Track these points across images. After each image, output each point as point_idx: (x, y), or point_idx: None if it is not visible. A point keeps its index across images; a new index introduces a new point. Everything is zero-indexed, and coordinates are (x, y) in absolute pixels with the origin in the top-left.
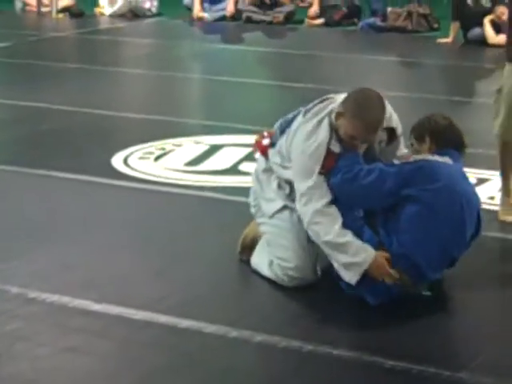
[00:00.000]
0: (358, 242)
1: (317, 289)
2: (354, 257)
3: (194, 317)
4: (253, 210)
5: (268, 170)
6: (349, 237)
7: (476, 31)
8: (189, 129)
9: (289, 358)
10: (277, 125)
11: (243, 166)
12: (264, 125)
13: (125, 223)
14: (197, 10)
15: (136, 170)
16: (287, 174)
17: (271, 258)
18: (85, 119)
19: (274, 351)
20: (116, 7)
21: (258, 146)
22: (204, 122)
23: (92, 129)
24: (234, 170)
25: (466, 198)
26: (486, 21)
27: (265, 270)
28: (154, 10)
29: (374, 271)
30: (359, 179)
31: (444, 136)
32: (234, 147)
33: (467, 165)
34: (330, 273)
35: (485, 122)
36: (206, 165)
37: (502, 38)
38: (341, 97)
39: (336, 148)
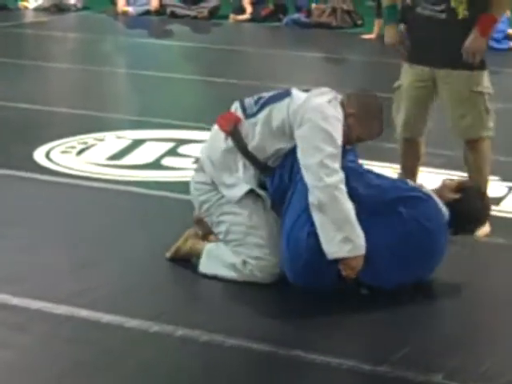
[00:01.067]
0: (360, 228)
1: (240, 283)
2: (357, 237)
3: (116, 311)
4: (202, 208)
5: (229, 151)
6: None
7: (399, 28)
8: (111, 123)
9: (210, 352)
10: (251, 100)
11: (165, 161)
12: (187, 119)
13: (47, 217)
14: (121, 5)
15: (58, 165)
16: (275, 143)
17: (243, 258)
18: (8, 113)
19: (195, 345)
20: (40, 1)
21: (222, 122)
22: (127, 117)
23: (15, 123)
24: (156, 165)
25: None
26: None
27: (228, 274)
28: (79, 5)
29: (353, 261)
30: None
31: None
32: (156, 142)
33: (392, 160)
34: None
35: None
36: (128, 159)
37: None
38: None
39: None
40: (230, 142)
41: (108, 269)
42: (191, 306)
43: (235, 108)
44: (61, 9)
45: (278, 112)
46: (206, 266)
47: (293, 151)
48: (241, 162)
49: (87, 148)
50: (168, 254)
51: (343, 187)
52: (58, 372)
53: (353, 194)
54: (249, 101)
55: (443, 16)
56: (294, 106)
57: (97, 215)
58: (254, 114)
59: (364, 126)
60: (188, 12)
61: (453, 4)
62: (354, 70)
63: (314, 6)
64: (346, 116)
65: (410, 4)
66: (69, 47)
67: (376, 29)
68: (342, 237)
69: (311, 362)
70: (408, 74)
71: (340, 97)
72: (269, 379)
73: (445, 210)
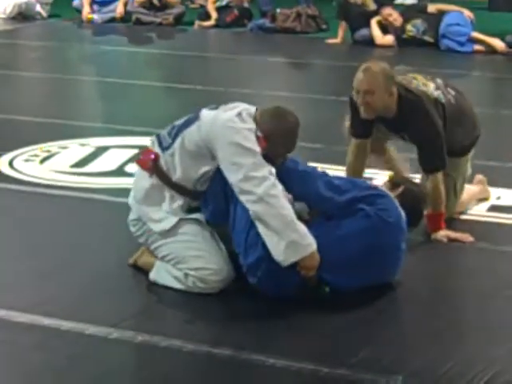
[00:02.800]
0: (305, 228)
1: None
2: (302, 238)
3: (76, 319)
4: (141, 240)
5: (155, 187)
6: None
7: (362, 32)
8: (75, 131)
9: (170, 357)
10: (165, 132)
11: (129, 168)
12: (151, 126)
13: (10, 225)
14: (86, 12)
15: (21, 173)
16: (199, 168)
17: (185, 272)
18: None
19: (155, 351)
20: (5, 10)
21: (141, 162)
22: (90, 124)
23: None
24: (119, 172)
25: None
26: (373, 22)
27: (176, 285)
28: (44, 13)
29: (308, 260)
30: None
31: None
32: (119, 149)
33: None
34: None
35: None
36: (92, 167)
37: (388, 39)
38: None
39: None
40: (154, 179)
41: (69, 276)
42: (150, 312)
43: (152, 143)
44: (26, 17)
45: (191, 137)
46: (155, 276)
47: (218, 171)
48: (168, 195)
49: (51, 156)
50: (130, 261)
51: (276, 191)
52: (18, 379)
53: (315, 195)
54: (163, 133)
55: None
56: (204, 127)
57: (60, 223)
58: (169, 146)
59: (272, 146)
60: (153, 19)
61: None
62: (319, 75)
63: (278, 11)
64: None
65: None
66: (34, 56)
67: (341, 33)
68: (287, 242)
69: (271, 365)
70: None
71: (252, 110)
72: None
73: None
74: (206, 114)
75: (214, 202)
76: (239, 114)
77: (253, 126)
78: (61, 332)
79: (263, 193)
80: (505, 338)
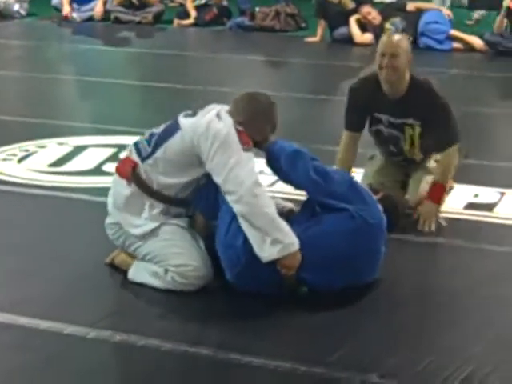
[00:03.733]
0: (288, 227)
1: (176, 291)
2: (285, 236)
3: (54, 318)
4: (119, 242)
5: (133, 195)
6: (283, 220)
7: (341, 30)
8: (53, 130)
9: (147, 356)
10: (143, 140)
11: (107, 167)
12: (129, 125)
13: None
14: (65, 11)
15: None
16: (183, 176)
17: (165, 268)
18: None
19: (132, 350)
20: None
21: (120, 170)
22: (69, 123)
23: None
24: (97, 171)
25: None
26: (352, 20)
27: (154, 282)
28: (23, 12)
29: (289, 259)
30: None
31: None
32: (98, 148)
33: (330, 161)
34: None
35: None
36: (70, 166)
37: (367, 37)
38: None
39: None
40: (133, 187)
41: (47, 276)
42: (128, 311)
43: (130, 151)
44: (4, 16)
45: (175, 147)
46: (133, 274)
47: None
48: (147, 203)
49: (29, 155)
50: (107, 260)
51: (258, 190)
52: None
53: (302, 175)
54: (142, 141)
55: (405, 163)
56: (187, 135)
57: (38, 222)
58: (149, 155)
59: (255, 130)
60: (132, 17)
61: (408, 156)
62: (298, 73)
63: (257, 9)
64: (237, 123)
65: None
66: (12, 54)
67: (320, 31)
68: (271, 240)
69: (248, 364)
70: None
71: (227, 107)
72: (205, 382)
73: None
74: (185, 122)
75: (206, 197)
76: (217, 115)
77: (231, 122)
78: (38, 331)
79: (245, 192)
80: (481, 335)
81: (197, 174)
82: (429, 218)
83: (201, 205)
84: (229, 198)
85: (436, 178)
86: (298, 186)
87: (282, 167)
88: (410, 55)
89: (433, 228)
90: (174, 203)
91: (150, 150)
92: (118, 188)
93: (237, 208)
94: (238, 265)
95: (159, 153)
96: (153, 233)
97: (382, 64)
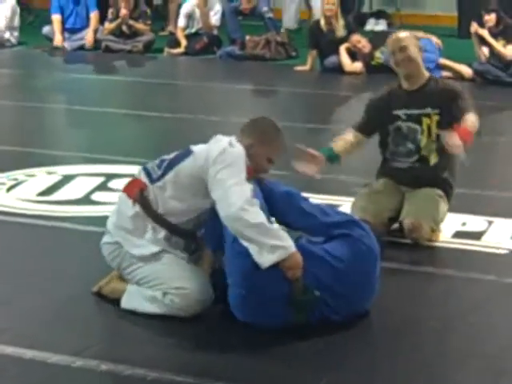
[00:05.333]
0: (285, 233)
1: (162, 317)
2: (281, 241)
3: (39, 347)
4: (115, 263)
5: (137, 216)
6: (275, 226)
7: (332, 59)
8: (42, 159)
9: None
10: (153, 165)
11: (95, 196)
12: (118, 154)
13: None
14: (57, 40)
15: None
16: (190, 203)
17: (164, 291)
18: None
19: (118, 379)
20: None
21: (128, 189)
22: (58, 152)
23: None
24: (86, 200)
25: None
26: (342, 49)
27: (149, 307)
28: (13, 40)
29: (291, 260)
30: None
31: None
32: (86, 177)
33: (319, 190)
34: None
35: None
36: (59, 195)
37: (357, 66)
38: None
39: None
40: (137, 208)
41: (33, 304)
42: (114, 340)
43: (139, 173)
44: None
45: (186, 170)
46: (126, 302)
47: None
48: (149, 225)
49: (17, 184)
50: (94, 289)
51: (249, 206)
52: None
53: (298, 212)
54: (152, 165)
55: (417, 165)
56: (199, 159)
57: (25, 250)
58: (159, 178)
59: (268, 147)
60: (123, 46)
61: (424, 153)
62: (288, 102)
63: (247, 38)
64: (247, 148)
65: (388, 157)
66: (2, 83)
67: (310, 61)
68: (267, 248)
69: None
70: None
71: (235, 137)
72: None
73: None
74: (198, 148)
75: (213, 227)
76: (230, 143)
77: (242, 150)
78: (23, 361)
79: (236, 209)
80: (468, 364)
81: (202, 205)
82: (457, 146)
83: (208, 235)
84: (221, 213)
85: (465, 125)
86: (294, 226)
87: (276, 208)
88: (420, 45)
89: (428, 236)
90: (175, 232)
91: (160, 172)
92: (123, 207)
93: (229, 224)
94: (244, 285)
95: (170, 176)
96: (153, 257)
97: (396, 60)
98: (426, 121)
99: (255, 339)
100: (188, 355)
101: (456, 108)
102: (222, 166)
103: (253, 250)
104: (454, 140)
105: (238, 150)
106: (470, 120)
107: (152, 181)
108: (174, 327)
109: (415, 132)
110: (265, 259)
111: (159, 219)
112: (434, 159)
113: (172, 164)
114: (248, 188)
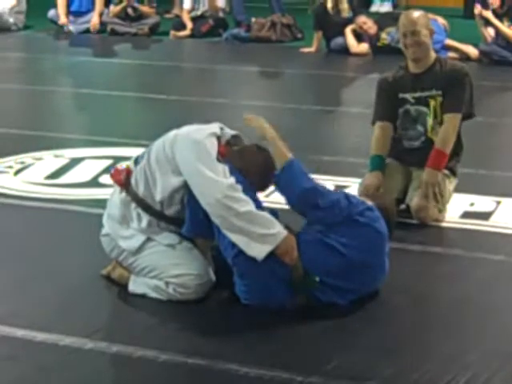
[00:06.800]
0: (272, 217)
1: (172, 301)
2: (270, 229)
3: (50, 330)
4: (114, 254)
5: (124, 203)
6: (263, 212)
7: (338, 40)
8: (49, 142)
9: (144, 367)
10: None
11: (103, 179)
12: (126, 137)
13: None
14: (62, 20)
15: None
16: (163, 182)
17: (165, 280)
18: None
19: (129, 361)
20: None
21: (114, 175)
22: (65, 135)
23: None
24: (93, 183)
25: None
26: (348, 30)
27: (154, 294)
28: (20, 24)
29: (283, 246)
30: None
31: None
32: (94, 160)
33: (327, 172)
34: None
35: (345, 129)
36: (66, 178)
37: (363, 47)
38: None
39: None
40: (123, 194)
41: (43, 287)
42: (125, 322)
43: (131, 162)
44: (0, 29)
45: (157, 150)
46: (134, 286)
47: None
48: (134, 212)
49: (25, 168)
50: (103, 272)
51: (232, 192)
52: None
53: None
54: (142, 151)
55: (423, 145)
56: (168, 140)
57: (34, 234)
58: (140, 161)
59: (258, 177)
60: (128, 29)
61: (430, 135)
62: (294, 84)
63: (253, 20)
64: (239, 169)
65: (396, 139)
66: (8, 67)
67: (316, 42)
68: (256, 237)
69: (245, 375)
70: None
71: (227, 132)
72: None
73: None
74: (173, 131)
75: (192, 212)
76: (200, 127)
77: (215, 129)
78: (35, 343)
79: (222, 196)
80: (476, 344)
81: (172, 184)
82: (431, 185)
83: (191, 228)
84: (203, 202)
85: (436, 145)
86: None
87: (290, 203)
88: (431, 28)
89: (435, 216)
90: (160, 218)
91: (141, 156)
92: (113, 196)
93: (212, 212)
94: (243, 274)
95: (145, 158)
96: (142, 247)
97: (406, 44)
98: (432, 102)
99: (264, 322)
100: (198, 338)
101: (448, 98)
102: (191, 149)
103: (240, 241)
104: (429, 182)
105: (211, 129)
106: (446, 133)
107: (136, 164)
108: (183, 310)
109: (425, 114)
110: (257, 251)
111: (142, 203)
112: None
113: (150, 147)
114: (225, 170)
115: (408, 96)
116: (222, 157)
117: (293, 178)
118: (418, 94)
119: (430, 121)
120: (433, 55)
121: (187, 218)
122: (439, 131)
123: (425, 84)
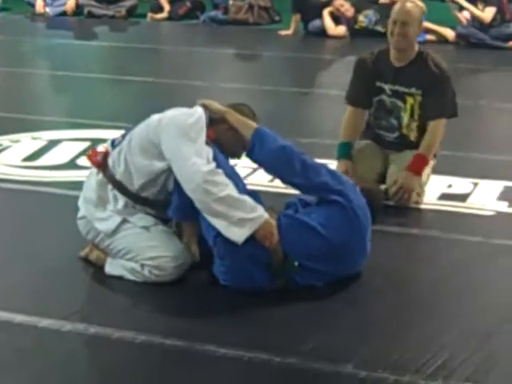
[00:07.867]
0: (252, 201)
1: (150, 283)
2: (249, 213)
3: (28, 312)
4: (90, 237)
5: (100, 185)
6: (244, 196)
7: (316, 23)
8: (27, 124)
9: (122, 348)
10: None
11: (80, 161)
12: (103, 119)
13: None
14: (39, 6)
15: None
16: (143, 166)
17: (141, 263)
18: None
19: (107, 342)
20: None
21: (91, 156)
22: (42, 118)
23: None
24: (71, 165)
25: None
26: (325, 13)
27: (131, 277)
28: None
29: (263, 230)
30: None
31: None
32: (71, 142)
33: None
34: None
35: (322, 111)
36: (44, 160)
37: (340, 30)
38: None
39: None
40: (100, 176)
41: (21, 269)
42: (102, 304)
43: (107, 144)
44: None
45: (139, 134)
46: (111, 268)
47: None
48: (111, 193)
49: (2, 150)
50: (81, 254)
51: (212, 176)
52: None
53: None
54: (119, 135)
55: (397, 140)
56: (152, 123)
57: (11, 216)
58: (119, 143)
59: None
60: (105, 11)
61: (404, 132)
62: (272, 66)
63: (231, 2)
64: (223, 132)
65: (370, 124)
66: None
67: (293, 25)
68: (235, 221)
69: (223, 356)
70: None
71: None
72: (181, 374)
73: None
74: (155, 115)
75: (179, 195)
76: (185, 111)
77: (202, 115)
78: (12, 325)
79: (200, 180)
80: (454, 325)
81: (154, 168)
82: (409, 189)
83: (178, 211)
84: (185, 186)
85: (420, 150)
86: (287, 183)
87: (266, 166)
88: (422, 24)
89: (414, 199)
90: (136, 200)
91: (120, 139)
92: (90, 179)
93: (194, 197)
94: (225, 256)
95: (126, 140)
96: (118, 229)
97: (393, 31)
98: (409, 100)
99: (241, 304)
100: (175, 319)
101: (431, 103)
102: (177, 134)
103: (220, 225)
104: (407, 186)
105: (199, 112)
106: (431, 139)
107: (113, 147)
108: (160, 292)
109: (399, 109)
110: (237, 234)
111: (118, 185)
112: (413, 136)
113: (130, 129)
114: (208, 154)
115: (385, 87)
116: (211, 140)
117: (267, 140)
118: (396, 88)
119: (405, 117)
120: (416, 49)
121: (174, 201)
122: (424, 137)
123: (405, 79)
